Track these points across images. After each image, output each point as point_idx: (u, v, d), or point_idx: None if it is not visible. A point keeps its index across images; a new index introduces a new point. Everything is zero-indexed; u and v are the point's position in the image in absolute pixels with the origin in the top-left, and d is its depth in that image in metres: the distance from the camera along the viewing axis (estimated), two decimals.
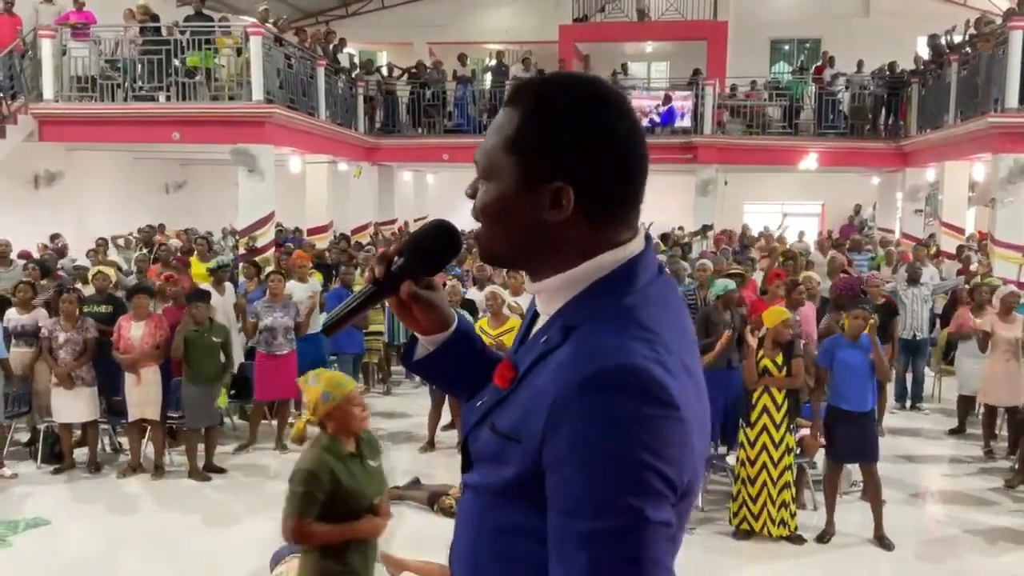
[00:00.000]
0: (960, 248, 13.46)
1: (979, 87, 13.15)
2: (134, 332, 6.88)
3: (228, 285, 8.55)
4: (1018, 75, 11.80)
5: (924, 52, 17.67)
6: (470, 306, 8.21)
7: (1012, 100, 11.86)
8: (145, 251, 12.53)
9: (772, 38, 23.12)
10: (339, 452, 3.27)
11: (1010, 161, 11.93)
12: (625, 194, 1.14)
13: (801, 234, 19.64)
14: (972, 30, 14.52)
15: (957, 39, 15.47)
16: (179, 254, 11.46)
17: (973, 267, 11.61)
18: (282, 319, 7.58)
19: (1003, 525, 6.17)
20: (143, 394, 6.85)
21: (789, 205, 23.57)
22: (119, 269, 10.23)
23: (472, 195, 1.20)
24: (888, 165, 17.75)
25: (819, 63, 18.52)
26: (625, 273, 1.13)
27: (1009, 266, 11.70)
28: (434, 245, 1.30)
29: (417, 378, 9.37)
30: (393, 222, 19.94)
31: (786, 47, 23.54)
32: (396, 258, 1.28)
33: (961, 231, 15.61)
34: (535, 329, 1.21)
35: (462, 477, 1.27)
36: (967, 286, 10.06)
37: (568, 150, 1.10)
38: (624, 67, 20.37)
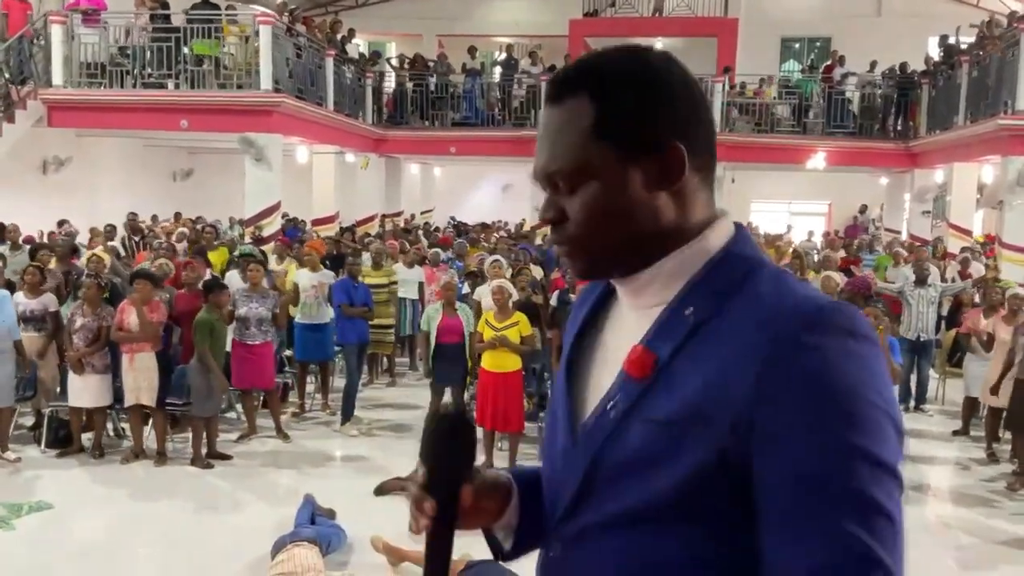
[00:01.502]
0: (962, 250, 13.44)
1: (989, 89, 13.10)
2: (134, 317, 6.90)
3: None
4: None
5: (935, 53, 17.60)
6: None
7: (1022, 103, 11.81)
8: (137, 239, 12.58)
9: (783, 36, 23.05)
10: None
11: (1019, 164, 11.89)
12: (713, 146, 1.08)
13: (810, 233, 19.62)
14: (983, 31, 14.45)
15: (964, 40, 15.41)
16: (185, 243, 11.48)
17: (971, 270, 11.58)
18: (257, 309, 7.53)
19: (1004, 528, 6.16)
20: (138, 379, 6.86)
21: (796, 204, 23.55)
22: (117, 255, 10.26)
23: (557, 217, 1.07)
24: (897, 166, 17.70)
25: (829, 62, 18.46)
26: (745, 238, 1.07)
27: (1017, 269, 11.66)
28: (456, 449, 1.11)
29: (421, 369, 9.37)
30: (400, 214, 19.94)
31: (796, 45, 23.48)
32: (430, 494, 1.09)
33: (968, 233, 15.57)
34: (620, 314, 1.12)
35: (560, 529, 1.09)
36: (974, 289, 10.04)
37: (663, 107, 1.03)
38: None
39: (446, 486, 1.09)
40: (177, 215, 15.83)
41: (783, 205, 23.46)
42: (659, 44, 22.66)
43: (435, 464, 1.09)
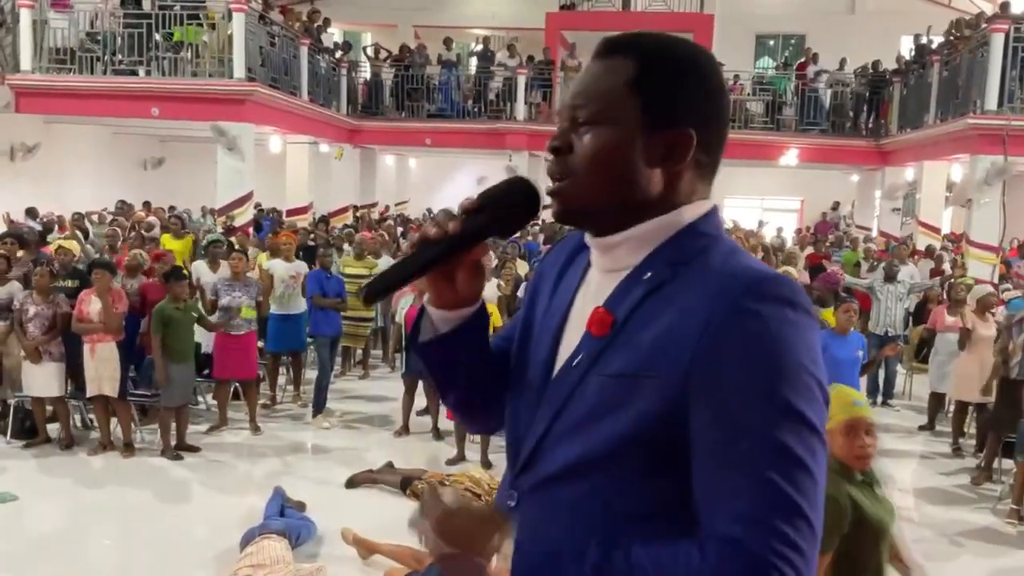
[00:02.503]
0: (932, 248, 13.61)
1: (959, 89, 13.26)
2: (93, 306, 6.81)
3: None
4: (998, 78, 11.92)
5: (907, 51, 17.79)
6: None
7: (991, 102, 11.97)
8: (116, 228, 12.42)
9: (757, 33, 23.18)
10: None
11: (987, 163, 12.05)
12: (723, 144, 1.15)
13: (779, 230, 19.79)
14: (953, 31, 14.63)
15: (935, 40, 15.59)
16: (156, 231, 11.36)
17: (945, 267, 11.73)
18: (240, 299, 7.51)
19: (967, 520, 6.26)
20: (100, 369, 6.77)
21: (769, 200, 23.72)
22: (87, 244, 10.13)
23: (563, 146, 1.13)
24: (868, 163, 17.89)
25: (803, 59, 18.59)
26: (714, 218, 1.14)
27: (983, 266, 11.84)
28: (519, 203, 1.18)
29: (397, 362, 9.35)
30: (374, 205, 19.85)
31: (771, 42, 23.62)
32: (474, 213, 1.16)
33: (937, 231, 15.78)
34: (588, 276, 1.20)
35: (520, 480, 1.16)
36: (941, 288, 10.17)
37: (694, 95, 1.11)
38: None
39: (478, 225, 1.14)
40: (146, 204, 15.62)
41: (756, 201, 23.62)
42: None
43: (492, 201, 1.16)
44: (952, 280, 9.62)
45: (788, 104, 18.11)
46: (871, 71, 17.72)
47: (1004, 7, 12.66)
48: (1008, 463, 6.80)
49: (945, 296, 9.00)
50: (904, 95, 16.36)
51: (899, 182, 17.13)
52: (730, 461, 0.96)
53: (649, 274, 1.09)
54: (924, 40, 16.32)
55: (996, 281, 11.46)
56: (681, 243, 1.10)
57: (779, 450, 0.94)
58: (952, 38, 14.45)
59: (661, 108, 1.09)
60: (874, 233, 17.73)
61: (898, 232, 17.12)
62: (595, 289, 1.17)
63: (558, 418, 1.11)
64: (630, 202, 1.10)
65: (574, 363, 1.12)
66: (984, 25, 12.84)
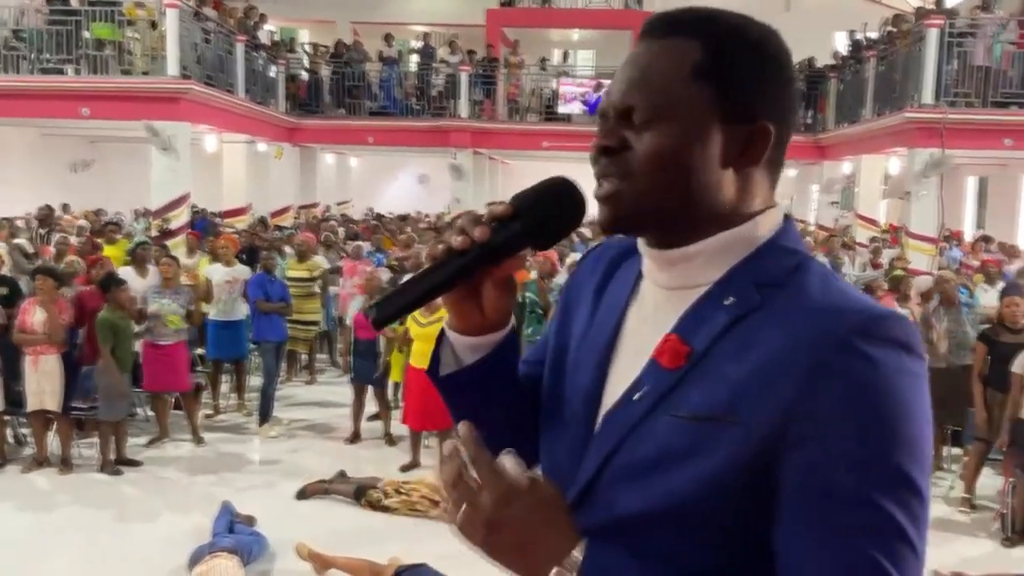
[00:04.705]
0: (872, 239, 13.85)
1: (896, 83, 13.53)
2: (37, 316, 6.49)
3: (151, 267, 8.15)
4: (933, 72, 12.18)
5: (843, 47, 18.13)
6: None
7: (928, 96, 12.22)
8: (41, 231, 11.96)
9: None
10: None
11: (925, 155, 12.29)
12: (786, 146, 1.00)
13: None
14: (890, 27, 14.93)
15: (873, 35, 15.91)
16: (89, 235, 10.94)
17: (882, 260, 11.94)
18: (168, 307, 7.23)
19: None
20: (42, 383, 6.46)
21: None
22: (23, 253, 9.70)
23: (618, 144, 0.95)
24: (806, 158, 18.16)
25: None
26: (792, 230, 0.99)
27: (922, 257, 12.09)
28: (560, 208, 0.99)
29: (341, 366, 9.13)
30: (315, 205, 19.51)
31: None
32: (507, 221, 0.97)
33: (875, 223, 16.10)
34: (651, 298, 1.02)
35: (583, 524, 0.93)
36: (884, 281, 10.33)
37: (772, 84, 0.96)
38: (565, 55, 20.36)
39: (512, 234, 0.97)
40: (65, 207, 15.10)
41: None
42: (576, 36, 22.78)
43: (521, 205, 0.98)
44: (893, 271, 9.77)
45: None
46: (807, 67, 18.00)
47: (939, 2, 12.94)
48: (957, 451, 6.91)
49: (894, 288, 9.11)
50: (841, 90, 16.65)
51: (837, 176, 17.45)
52: (827, 528, 0.83)
53: (732, 298, 0.93)
54: (859, 36, 16.63)
55: (934, 271, 11.70)
56: (766, 261, 0.95)
57: (883, 523, 0.82)
58: (890, 33, 14.74)
59: (737, 98, 0.94)
60: (812, 227, 18.02)
61: (835, 225, 17.44)
62: (653, 308, 1.01)
63: (613, 458, 0.95)
64: (700, 207, 0.95)
65: (635, 397, 0.95)
66: (920, 20, 13.11)
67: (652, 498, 0.91)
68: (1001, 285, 8.69)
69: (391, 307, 0.98)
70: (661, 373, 0.94)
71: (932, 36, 12.15)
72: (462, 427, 0.86)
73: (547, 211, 0.98)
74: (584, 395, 1.02)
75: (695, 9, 0.98)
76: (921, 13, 13.82)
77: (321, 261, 9.64)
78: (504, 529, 0.86)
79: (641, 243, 1.03)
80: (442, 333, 1.07)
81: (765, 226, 0.97)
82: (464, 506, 0.86)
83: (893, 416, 0.83)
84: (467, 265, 0.97)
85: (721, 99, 0.93)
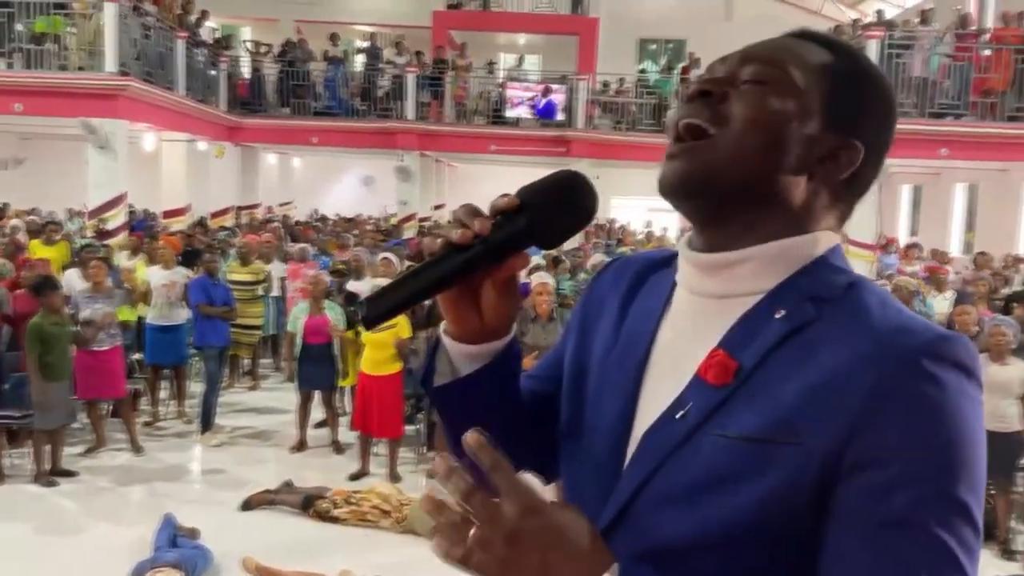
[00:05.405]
0: None
1: None
2: None
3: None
4: None
5: None
6: (353, 299, 7.76)
7: None
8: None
9: (640, 37, 23.66)
10: None
11: None
12: (870, 184, 1.00)
13: (664, 230, 20.26)
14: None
15: None
16: (13, 237, 10.54)
17: None
18: (100, 311, 6.98)
19: None
20: None
21: (655, 200, 24.22)
22: None
23: (721, 91, 0.93)
24: None
25: (686, 63, 19.06)
26: (840, 253, 0.96)
27: (862, 264, 12.36)
28: (569, 202, 0.92)
29: (284, 372, 8.95)
30: (256, 207, 19.17)
31: (653, 46, 24.14)
32: (512, 216, 0.90)
33: None
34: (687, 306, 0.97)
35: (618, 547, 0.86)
36: None
37: (877, 114, 0.97)
38: (510, 61, 20.38)
39: (517, 230, 0.89)
40: (5, 205, 14.57)
41: (643, 201, 24.07)
42: (522, 40, 22.81)
43: (527, 199, 0.90)
44: None
45: (672, 107, 18.52)
46: None
47: (879, 14, 13.28)
48: None
49: None
50: None
51: None
52: (880, 553, 0.80)
53: (784, 311, 0.89)
54: None
55: (872, 278, 11.96)
56: (818, 277, 0.91)
57: (938, 552, 0.79)
58: None
59: (844, 108, 0.93)
60: None
61: None
62: (692, 319, 0.96)
63: (651, 481, 0.89)
64: (769, 193, 0.91)
65: (678, 415, 0.90)
66: (859, 32, 13.43)
67: (699, 523, 0.85)
68: (951, 293, 8.87)
69: (382, 305, 0.90)
70: (707, 390, 0.89)
71: (872, 47, 12.45)
72: (471, 435, 0.76)
73: (555, 205, 0.91)
74: (615, 415, 0.96)
75: (832, 34, 1.05)
76: (861, 25, 14.15)
77: (263, 265, 9.45)
78: (528, 544, 0.75)
79: (683, 248, 0.98)
80: (437, 340, 1.01)
81: (822, 245, 0.94)
82: (480, 522, 0.74)
83: (956, 441, 0.81)
84: (468, 261, 0.89)
85: (829, 101, 0.93)
